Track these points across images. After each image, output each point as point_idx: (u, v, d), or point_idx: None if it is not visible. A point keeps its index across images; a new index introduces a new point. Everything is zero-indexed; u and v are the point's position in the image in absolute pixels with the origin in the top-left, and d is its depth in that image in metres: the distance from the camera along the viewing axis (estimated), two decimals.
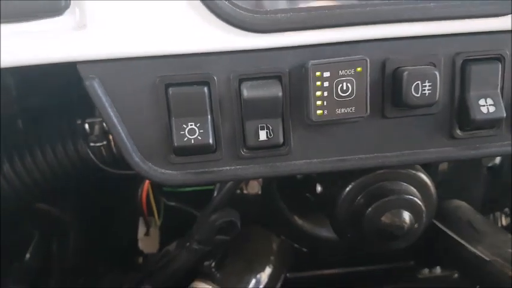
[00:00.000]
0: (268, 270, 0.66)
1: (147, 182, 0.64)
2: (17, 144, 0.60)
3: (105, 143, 0.58)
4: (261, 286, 0.65)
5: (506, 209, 0.84)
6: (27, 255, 0.76)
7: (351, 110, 0.40)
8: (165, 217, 0.70)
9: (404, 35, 0.41)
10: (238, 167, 0.44)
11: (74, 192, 0.76)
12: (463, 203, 0.70)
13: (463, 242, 0.63)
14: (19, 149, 0.59)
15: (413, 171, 0.53)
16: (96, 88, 0.40)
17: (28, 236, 0.78)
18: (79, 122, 0.59)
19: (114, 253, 0.79)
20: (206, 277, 0.62)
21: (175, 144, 0.41)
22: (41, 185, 0.61)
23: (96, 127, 0.59)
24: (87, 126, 0.59)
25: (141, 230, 0.68)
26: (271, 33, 0.40)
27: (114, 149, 0.58)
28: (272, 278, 0.66)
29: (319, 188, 0.59)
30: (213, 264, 0.61)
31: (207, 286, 0.61)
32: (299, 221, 0.72)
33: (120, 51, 0.40)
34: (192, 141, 0.42)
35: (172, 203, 0.68)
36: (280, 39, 0.40)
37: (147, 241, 0.68)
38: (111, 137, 0.58)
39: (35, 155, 0.59)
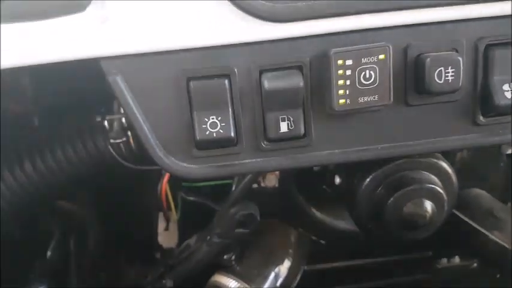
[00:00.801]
0: (287, 263, 0.66)
1: (166, 177, 0.64)
2: (36, 142, 0.61)
3: (124, 139, 0.58)
4: (281, 279, 0.65)
5: None
6: (49, 253, 0.77)
7: (374, 98, 0.40)
8: (183, 211, 0.70)
9: (426, 20, 0.41)
10: (259, 159, 0.44)
11: (92, 189, 0.76)
12: (482, 192, 0.69)
13: (483, 230, 0.63)
14: (39, 147, 0.60)
15: (434, 160, 0.52)
16: (119, 83, 0.41)
17: (48, 233, 0.79)
18: (98, 119, 0.59)
19: (133, 248, 0.80)
20: (226, 270, 0.62)
21: (198, 138, 0.42)
22: (62, 182, 0.61)
23: (115, 124, 0.59)
24: (106, 123, 0.59)
25: (161, 225, 0.69)
26: (291, 23, 0.40)
27: (133, 145, 0.59)
28: (291, 271, 0.66)
29: (337, 180, 0.58)
30: (233, 257, 0.61)
31: (228, 279, 0.62)
32: (317, 213, 0.72)
33: (142, 46, 0.40)
34: (214, 135, 0.42)
35: (191, 198, 0.68)
36: (300, 28, 0.40)
37: (167, 236, 0.69)
38: (129, 133, 0.58)
39: (56, 154, 0.59)
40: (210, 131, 0.42)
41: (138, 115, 0.42)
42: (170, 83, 0.41)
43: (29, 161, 0.59)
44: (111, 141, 0.58)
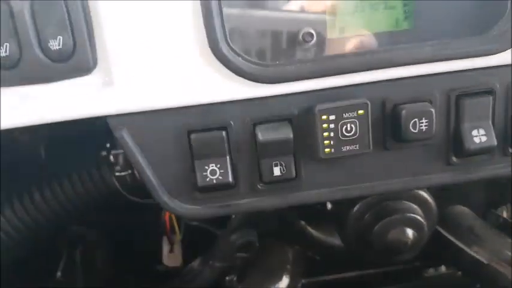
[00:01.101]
0: (285, 280, 0.71)
1: None
2: (44, 173, 0.65)
3: (129, 172, 0.62)
4: None
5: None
6: (58, 273, 0.81)
7: (355, 147, 0.45)
8: (187, 233, 0.75)
9: (401, 76, 0.46)
10: (255, 199, 0.49)
11: (98, 211, 0.81)
12: (464, 209, 0.74)
13: (463, 246, 0.68)
14: (47, 178, 0.64)
15: (415, 190, 0.57)
16: (125, 138, 0.45)
17: (56, 254, 0.83)
18: (104, 153, 0.63)
19: (138, 264, 0.85)
20: None
21: (199, 184, 0.46)
22: (70, 212, 0.66)
23: (120, 157, 0.63)
24: (111, 157, 0.63)
25: (165, 248, 0.74)
26: (280, 83, 0.44)
27: (138, 176, 0.63)
28: (290, 286, 0.71)
29: (329, 205, 0.63)
30: (235, 278, 0.66)
31: None
32: (313, 231, 0.77)
33: (145, 105, 0.45)
34: (214, 181, 0.46)
35: (194, 223, 0.73)
36: (288, 87, 0.45)
37: (171, 257, 0.74)
38: None
39: (63, 185, 0.64)
40: (210, 178, 0.46)
41: (143, 165, 0.46)
42: (172, 135, 0.46)
43: (38, 192, 0.63)
44: (116, 174, 0.63)
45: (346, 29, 0.45)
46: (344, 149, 0.45)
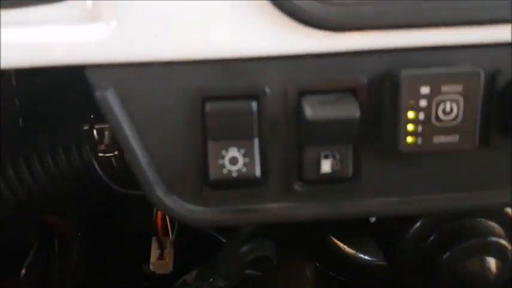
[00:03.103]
0: None
1: None
2: (15, 148, 0.51)
3: (116, 153, 0.48)
4: None
5: None
6: (23, 271, 0.68)
7: (455, 139, 0.30)
8: (180, 231, 0.61)
9: None
10: (290, 204, 0.34)
11: (79, 202, 0.67)
12: None
13: None
14: (13, 155, 0.50)
15: None
16: (110, 100, 0.30)
17: (25, 248, 0.70)
18: (86, 127, 0.49)
19: (123, 263, 0.71)
20: None
21: (211, 177, 0.31)
22: (36, 196, 0.52)
23: (106, 134, 0.49)
24: (95, 133, 0.49)
25: (154, 252, 0.58)
26: (349, 32, 0.29)
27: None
28: None
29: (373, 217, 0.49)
30: None
31: None
32: (337, 242, 0.62)
33: (144, 54, 0.29)
34: (234, 174, 0.31)
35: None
36: (360, 40, 0.29)
37: (161, 264, 0.59)
38: None
39: (32, 164, 0.50)
40: (229, 169, 0.31)
41: (132, 142, 0.31)
42: (180, 103, 0.31)
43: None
44: (100, 154, 0.48)
45: None
46: (436, 140, 0.30)
